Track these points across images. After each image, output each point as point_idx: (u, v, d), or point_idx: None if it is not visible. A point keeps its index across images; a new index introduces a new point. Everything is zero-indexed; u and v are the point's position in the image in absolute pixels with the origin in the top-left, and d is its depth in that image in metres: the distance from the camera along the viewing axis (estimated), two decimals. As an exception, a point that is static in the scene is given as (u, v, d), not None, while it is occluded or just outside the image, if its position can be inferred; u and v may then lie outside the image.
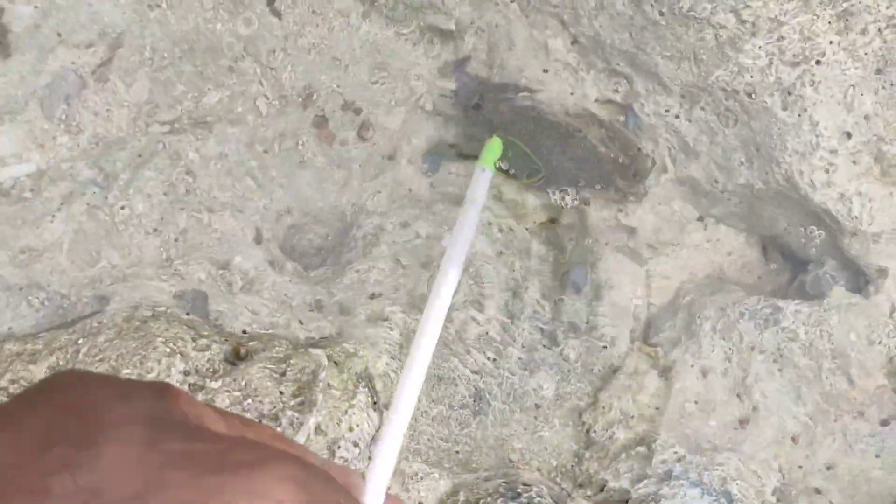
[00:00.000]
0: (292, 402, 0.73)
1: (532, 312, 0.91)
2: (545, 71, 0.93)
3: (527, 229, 0.95)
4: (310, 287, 0.86)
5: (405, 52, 0.95)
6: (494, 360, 0.87)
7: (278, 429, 0.70)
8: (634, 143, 0.93)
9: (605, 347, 0.91)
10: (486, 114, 0.93)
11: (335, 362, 0.77)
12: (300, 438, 0.70)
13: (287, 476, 0.27)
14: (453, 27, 0.95)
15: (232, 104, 0.93)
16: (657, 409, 0.87)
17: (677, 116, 0.92)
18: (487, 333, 0.87)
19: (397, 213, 0.92)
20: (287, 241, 0.92)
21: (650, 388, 0.88)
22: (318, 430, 0.73)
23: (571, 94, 0.94)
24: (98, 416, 0.28)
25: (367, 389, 0.77)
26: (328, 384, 0.75)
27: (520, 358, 0.88)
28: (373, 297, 0.85)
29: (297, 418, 0.72)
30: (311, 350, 0.77)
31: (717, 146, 0.91)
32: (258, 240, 0.89)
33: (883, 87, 0.84)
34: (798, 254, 0.95)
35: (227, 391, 0.72)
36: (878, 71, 0.83)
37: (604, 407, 0.86)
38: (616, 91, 0.92)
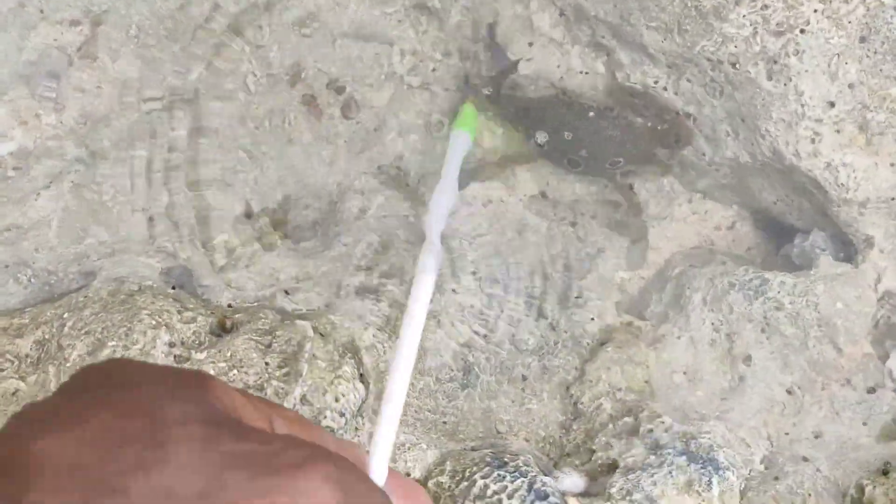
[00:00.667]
0: (278, 373, 0.73)
1: (523, 287, 0.91)
2: (530, 45, 0.93)
3: (520, 200, 0.95)
4: (298, 260, 0.86)
5: (391, 28, 0.95)
6: (486, 335, 0.87)
7: (264, 398, 0.70)
8: (672, 107, 0.90)
9: (592, 320, 0.91)
10: (516, 101, 0.92)
11: (321, 334, 0.78)
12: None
13: (328, 476, 0.28)
14: (438, 4, 0.95)
15: (220, 81, 0.93)
16: (646, 381, 0.87)
17: (665, 88, 0.92)
18: (473, 306, 0.87)
19: (384, 190, 0.92)
20: (279, 214, 0.92)
21: (638, 360, 0.88)
22: (303, 400, 0.73)
23: (558, 66, 0.94)
24: (160, 415, 0.28)
25: (353, 361, 0.77)
26: (314, 355, 0.75)
27: (511, 333, 0.88)
28: (359, 269, 0.85)
29: (282, 388, 0.72)
30: (297, 322, 0.77)
31: (704, 118, 0.91)
32: (248, 213, 0.89)
33: (867, 56, 0.83)
34: (787, 225, 0.95)
35: (213, 362, 0.72)
36: (863, 39, 0.83)
37: (591, 380, 0.86)
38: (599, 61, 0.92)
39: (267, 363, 0.73)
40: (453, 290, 0.87)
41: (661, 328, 0.90)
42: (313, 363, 0.75)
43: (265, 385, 0.72)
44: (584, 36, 0.92)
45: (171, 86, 0.91)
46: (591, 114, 0.91)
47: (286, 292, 0.82)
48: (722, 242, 0.96)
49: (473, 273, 0.89)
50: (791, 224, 0.94)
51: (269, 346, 0.75)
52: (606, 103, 0.92)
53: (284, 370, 0.73)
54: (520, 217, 0.94)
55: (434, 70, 0.95)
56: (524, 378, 0.86)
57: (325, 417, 0.73)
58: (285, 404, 0.71)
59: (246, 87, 0.93)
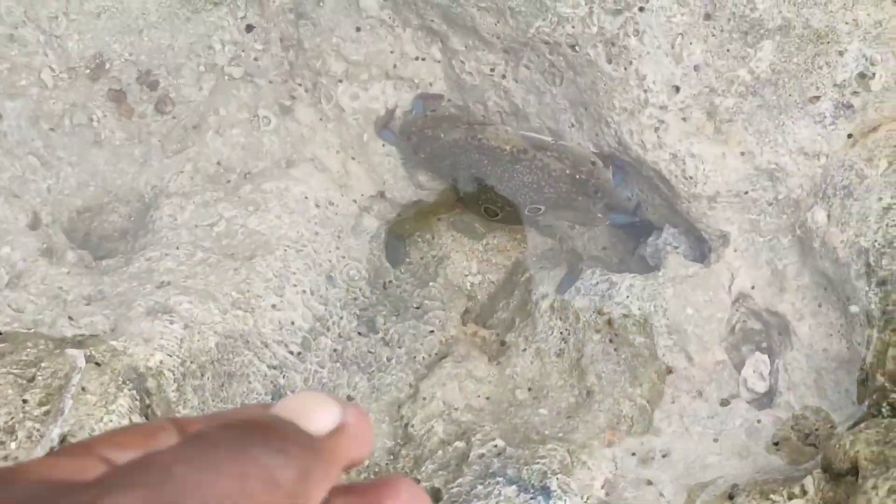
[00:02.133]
0: (36, 412, 0.64)
1: (351, 298, 0.82)
2: (358, 30, 0.84)
3: (354, 201, 0.87)
4: (92, 278, 0.77)
5: (205, 15, 0.85)
6: (299, 353, 0.78)
7: (12, 444, 0.62)
8: (587, 157, 0.81)
9: (432, 332, 0.83)
10: (429, 149, 0.83)
11: (97, 363, 0.69)
12: (40, 452, 0.62)
13: None
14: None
15: (13, 77, 0.83)
16: (487, 398, 0.80)
17: (504, 76, 0.83)
18: (293, 323, 0.79)
19: (200, 193, 0.83)
20: (79, 224, 0.83)
21: (479, 374, 0.80)
22: (65, 441, 0.64)
23: (391, 52, 0.85)
24: None
25: (133, 392, 0.68)
26: (83, 388, 0.66)
27: (333, 349, 0.80)
28: (161, 286, 0.76)
29: (37, 430, 0.63)
30: (67, 351, 0.68)
31: (545, 107, 0.83)
32: (34, 225, 0.79)
33: (713, 35, 0.76)
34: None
35: (-43, 402, 0.63)
36: (707, 16, 0.76)
37: (425, 398, 0.78)
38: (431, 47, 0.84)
39: (25, 400, 0.64)
40: (273, 307, 0.79)
41: (507, 338, 0.83)
42: (81, 398, 0.66)
43: (17, 427, 0.63)
44: (415, 19, 0.84)
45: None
46: (506, 157, 0.82)
47: (70, 317, 0.73)
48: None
49: (295, 286, 0.80)
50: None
51: (32, 379, 0.65)
52: (520, 146, 0.82)
53: (45, 408, 0.64)
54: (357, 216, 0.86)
55: (256, 60, 0.86)
56: (350, 399, 0.78)
57: (91, 460, 0.64)
58: (39, 448, 0.62)
59: (41, 82, 0.83)
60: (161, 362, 0.71)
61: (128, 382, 0.69)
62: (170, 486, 0.24)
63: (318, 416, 0.29)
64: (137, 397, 0.69)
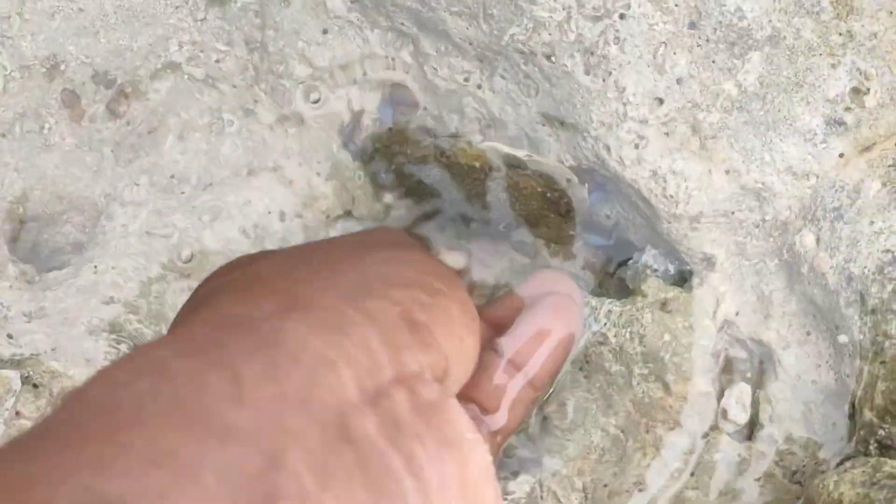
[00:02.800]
0: (-36, 438, 0.60)
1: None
2: (325, 32, 0.80)
3: (324, 215, 0.83)
4: (34, 293, 0.73)
5: (166, 16, 0.81)
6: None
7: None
8: (563, 174, 0.75)
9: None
10: (393, 168, 0.79)
11: (34, 384, 0.65)
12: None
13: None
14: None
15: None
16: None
17: (479, 86, 0.79)
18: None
19: (154, 201, 0.79)
20: (25, 235, 0.79)
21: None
22: (-7, 470, 0.60)
23: (360, 55, 0.81)
24: None
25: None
26: (17, 412, 0.62)
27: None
28: (109, 302, 0.72)
29: (-37, 458, 0.59)
30: (1, 372, 0.64)
31: (522, 118, 0.79)
32: (-26, 237, 0.75)
33: (698, 45, 0.71)
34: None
35: None
36: (692, 25, 0.71)
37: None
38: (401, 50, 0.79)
39: (-48, 426, 0.60)
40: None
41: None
42: (14, 423, 0.62)
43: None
44: (384, 21, 0.79)
45: None
46: (475, 175, 0.77)
47: (9, 335, 0.69)
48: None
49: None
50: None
51: (-38, 403, 0.62)
52: (491, 163, 0.78)
53: (-27, 435, 0.60)
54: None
55: (217, 62, 0.82)
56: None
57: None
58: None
59: (-8, 85, 0.79)
60: (102, 385, 0.67)
61: (65, 407, 0.65)
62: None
63: None
64: (75, 422, 0.65)
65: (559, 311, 0.38)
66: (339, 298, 0.28)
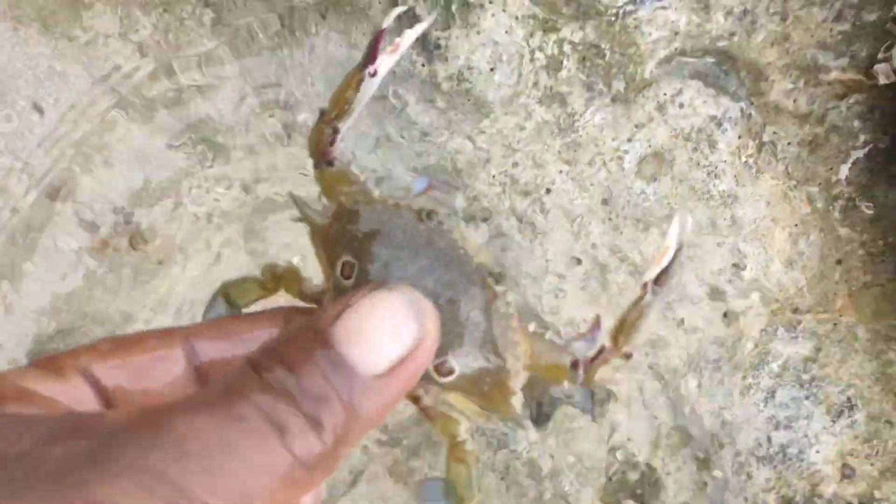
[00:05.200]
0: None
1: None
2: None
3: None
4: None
5: (179, 161, 0.97)
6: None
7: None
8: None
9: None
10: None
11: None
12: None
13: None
14: (222, 140, 0.97)
15: None
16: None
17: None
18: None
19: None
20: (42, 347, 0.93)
21: (388, 494, 0.89)
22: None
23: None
24: None
25: None
26: None
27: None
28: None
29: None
30: None
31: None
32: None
33: (609, 218, 0.87)
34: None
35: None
36: (605, 201, 0.86)
37: None
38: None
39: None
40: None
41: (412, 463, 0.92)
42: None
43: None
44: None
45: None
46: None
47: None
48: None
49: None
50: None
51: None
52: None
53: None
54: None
55: (217, 200, 0.97)
56: None
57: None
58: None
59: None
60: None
61: None
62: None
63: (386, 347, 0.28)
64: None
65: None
66: None
